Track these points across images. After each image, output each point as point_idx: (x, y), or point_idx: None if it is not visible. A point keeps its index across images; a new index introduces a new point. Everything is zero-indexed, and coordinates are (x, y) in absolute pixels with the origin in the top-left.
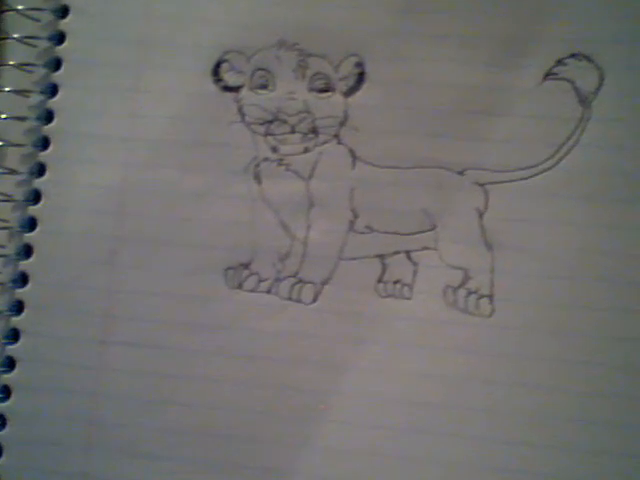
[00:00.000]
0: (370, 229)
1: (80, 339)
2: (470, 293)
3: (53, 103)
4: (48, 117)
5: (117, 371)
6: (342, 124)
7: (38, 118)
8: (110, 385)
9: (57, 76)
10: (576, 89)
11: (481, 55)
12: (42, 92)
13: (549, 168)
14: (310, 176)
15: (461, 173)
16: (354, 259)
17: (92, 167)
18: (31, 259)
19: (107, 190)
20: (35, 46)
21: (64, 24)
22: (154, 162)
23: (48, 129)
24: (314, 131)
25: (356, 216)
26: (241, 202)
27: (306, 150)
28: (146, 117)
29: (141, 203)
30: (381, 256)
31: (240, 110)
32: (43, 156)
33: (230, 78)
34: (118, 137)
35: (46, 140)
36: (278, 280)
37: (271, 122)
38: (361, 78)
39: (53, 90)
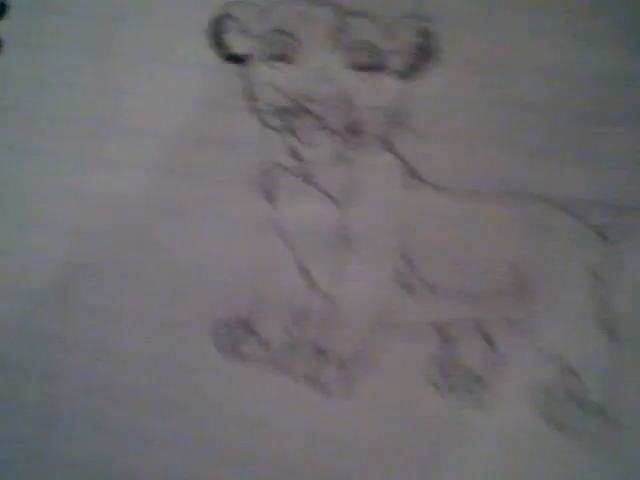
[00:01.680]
0: (426, 284)
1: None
2: (572, 398)
3: None
4: None
5: (62, 460)
6: (394, 122)
7: None
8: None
9: None
10: None
11: (604, 29)
12: None
13: None
14: (344, 198)
15: (569, 210)
16: (400, 327)
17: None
18: None
19: (63, 201)
20: None
21: None
22: (125, 162)
23: None
24: (353, 129)
25: (407, 263)
26: (243, 228)
27: (339, 157)
28: (118, 95)
29: (104, 221)
30: (440, 327)
31: (248, 90)
32: None
33: (236, 42)
34: (79, 122)
35: None
36: (289, 348)
37: (291, 111)
38: (426, 53)
39: None
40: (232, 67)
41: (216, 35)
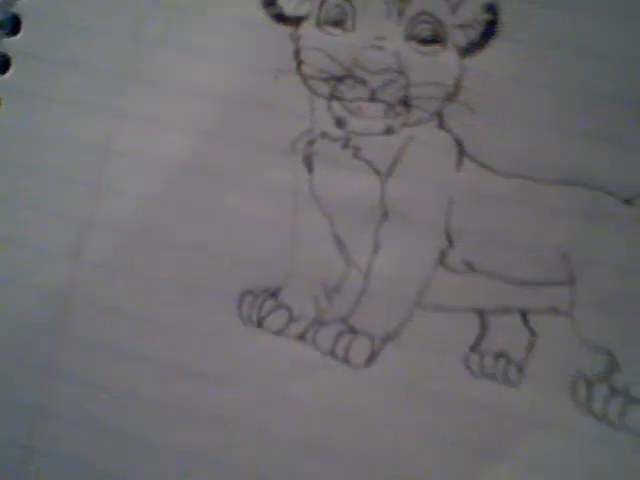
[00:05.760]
0: (470, 267)
1: None
2: (614, 394)
3: None
4: None
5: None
6: (450, 98)
7: None
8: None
9: None
10: None
11: None
12: None
13: None
14: (390, 172)
15: (630, 202)
16: (439, 309)
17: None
18: None
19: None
20: None
21: None
22: (163, 121)
23: None
24: (405, 103)
25: (451, 243)
26: (278, 196)
27: (389, 131)
28: (153, 44)
29: (127, 178)
30: (481, 311)
31: (297, 54)
32: None
33: (289, 3)
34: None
35: None
36: (319, 323)
37: (341, 79)
38: (491, 29)
39: None
40: (283, 29)
41: None
